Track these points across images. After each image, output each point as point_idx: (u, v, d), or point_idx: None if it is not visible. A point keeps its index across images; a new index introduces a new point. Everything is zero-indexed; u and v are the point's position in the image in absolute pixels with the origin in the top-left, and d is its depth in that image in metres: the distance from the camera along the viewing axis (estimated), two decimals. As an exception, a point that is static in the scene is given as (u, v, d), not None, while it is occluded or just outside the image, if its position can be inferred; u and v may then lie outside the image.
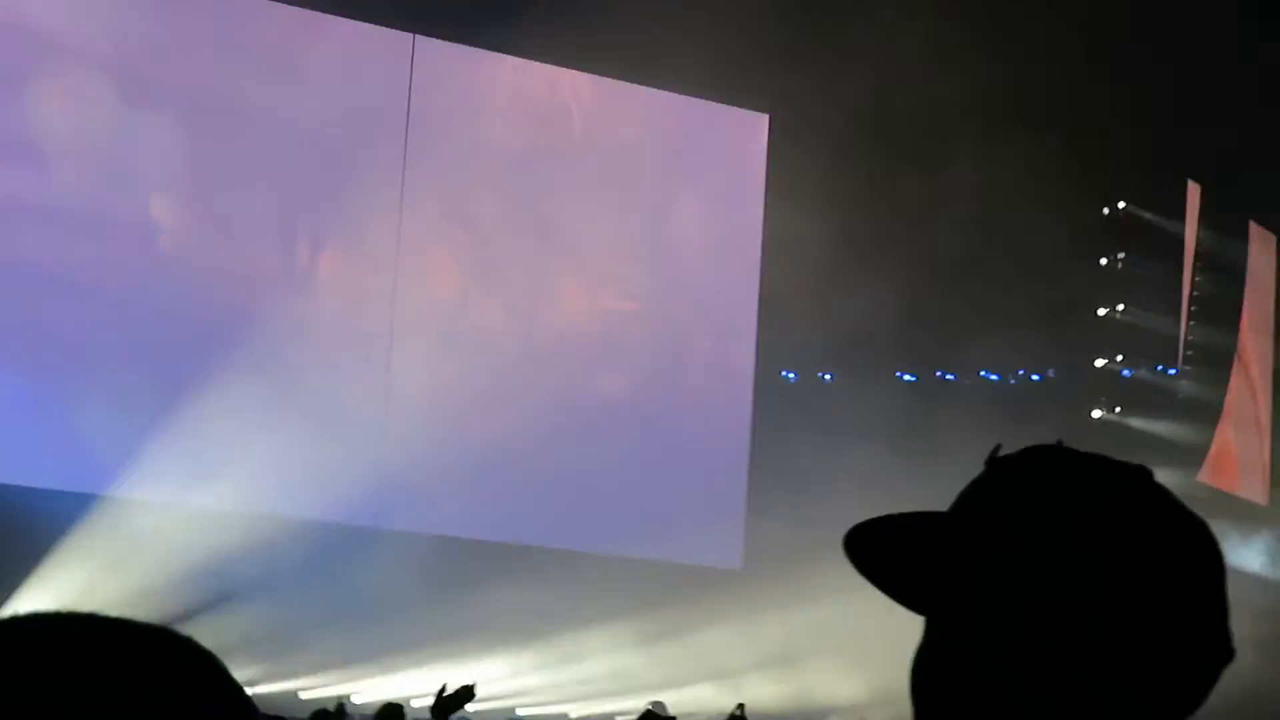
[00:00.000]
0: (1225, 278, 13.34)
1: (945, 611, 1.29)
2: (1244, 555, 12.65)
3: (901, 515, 1.36)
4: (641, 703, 9.05)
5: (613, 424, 11.64)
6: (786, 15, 10.92)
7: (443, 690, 6.28)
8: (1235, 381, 13.36)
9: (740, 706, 8.41)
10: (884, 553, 1.34)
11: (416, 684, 10.75)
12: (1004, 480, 1.34)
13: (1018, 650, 1.25)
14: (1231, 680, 1.24)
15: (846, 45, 10.72)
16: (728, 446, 12.13)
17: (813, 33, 10.85)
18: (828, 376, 12.81)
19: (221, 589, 10.07)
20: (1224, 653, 1.26)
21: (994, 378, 13.01)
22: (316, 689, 10.48)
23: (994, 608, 1.27)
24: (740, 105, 12.19)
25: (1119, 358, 13.11)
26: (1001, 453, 1.36)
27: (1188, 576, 1.27)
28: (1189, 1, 10.94)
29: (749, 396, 12.26)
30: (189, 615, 9.83)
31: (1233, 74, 11.46)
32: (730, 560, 11.95)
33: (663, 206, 11.98)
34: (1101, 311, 13.00)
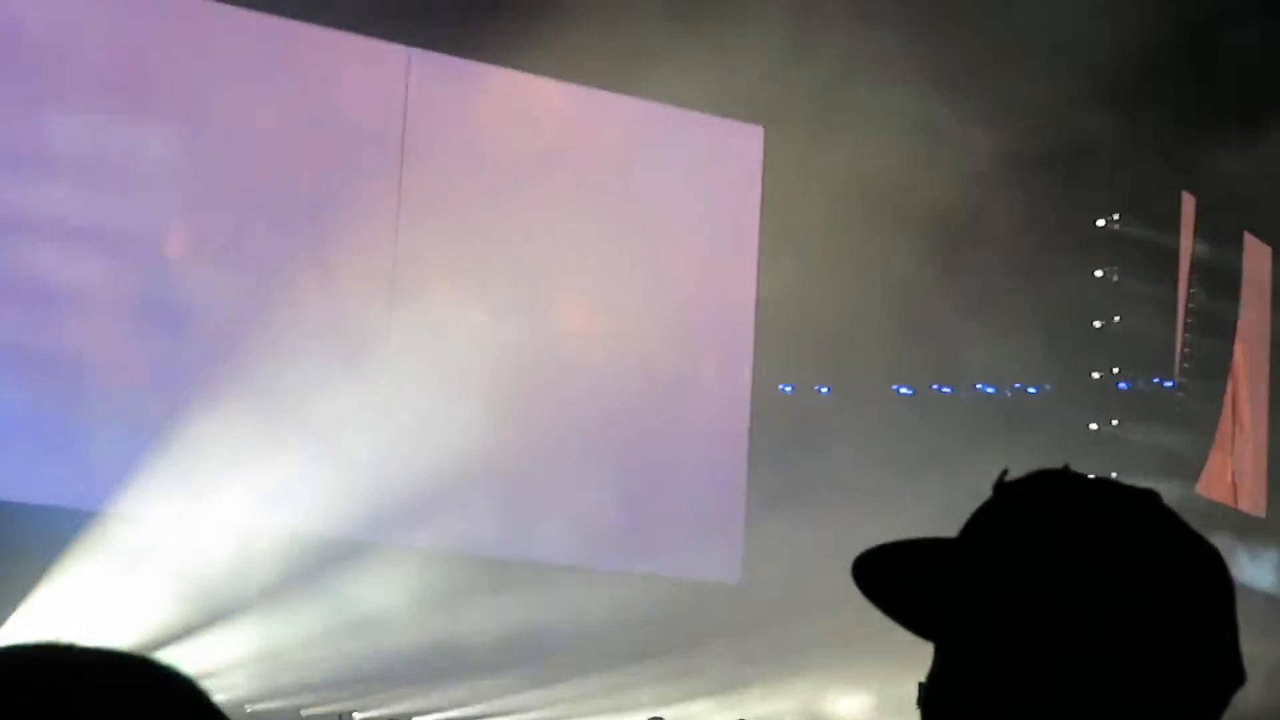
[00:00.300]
0: (1221, 289, 13.35)
1: (957, 639, 1.29)
2: (1253, 573, 12.63)
3: (909, 542, 1.36)
4: (642, 719, 9.03)
5: (610, 439, 11.62)
6: (781, 26, 10.92)
7: None
8: (1232, 393, 13.37)
9: (740, 721, 8.39)
10: (894, 580, 1.34)
11: (417, 701, 10.73)
12: (1012, 507, 1.34)
13: (1030, 676, 1.26)
14: (1241, 704, 1.24)
15: (840, 57, 10.72)
16: (725, 460, 12.11)
17: (808, 43, 10.85)
18: (825, 390, 12.79)
19: (222, 605, 10.06)
20: (1235, 676, 1.27)
21: (990, 390, 13.00)
22: (318, 706, 10.47)
23: (1006, 635, 1.27)
24: (735, 117, 12.16)
25: (1116, 370, 13.11)
26: (1008, 476, 1.37)
27: (1198, 601, 1.28)
28: (1179, 11, 10.95)
29: (746, 410, 12.24)
30: (188, 632, 9.82)
31: (1228, 84, 11.46)
32: (729, 574, 11.93)
33: (658, 220, 11.95)
34: (1098, 324, 13.00)
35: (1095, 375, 13.08)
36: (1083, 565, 1.30)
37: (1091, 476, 1.36)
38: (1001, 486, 1.37)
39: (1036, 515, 1.33)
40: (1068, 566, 1.30)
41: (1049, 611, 1.28)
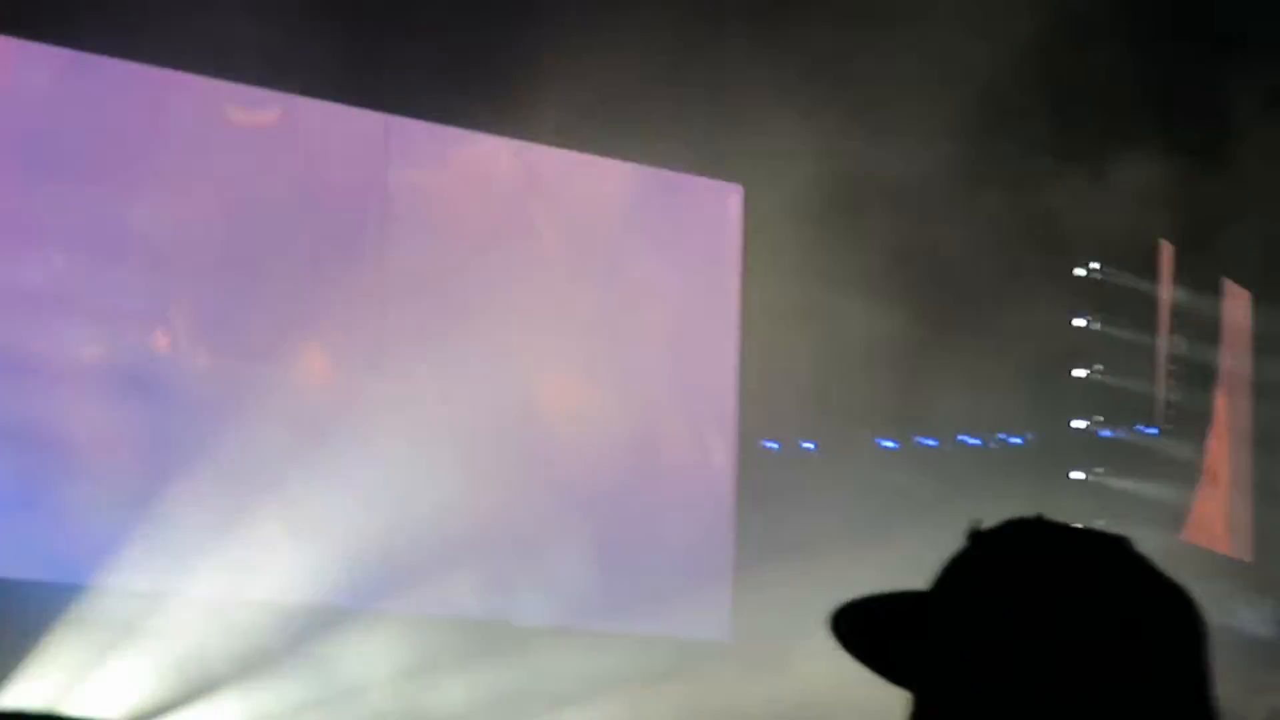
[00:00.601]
0: (1201, 336, 13.38)
1: (934, 689, 1.30)
2: (1247, 619, 12.59)
3: (885, 595, 1.37)
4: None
5: (595, 499, 11.57)
6: (761, 84, 10.95)
7: None
8: (1214, 439, 13.38)
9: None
10: (871, 633, 1.35)
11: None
12: (984, 556, 1.35)
13: None
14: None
15: (818, 114, 10.75)
16: (713, 518, 12.07)
17: (787, 102, 10.88)
18: (810, 446, 12.78)
19: (205, 676, 10.00)
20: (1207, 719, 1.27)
21: (974, 442, 13.00)
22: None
23: (980, 683, 1.28)
24: (714, 176, 12.17)
25: (1097, 418, 13.12)
26: (981, 525, 1.37)
27: (1167, 646, 1.29)
28: (1143, 59, 11.01)
29: (732, 467, 12.21)
30: (173, 705, 9.75)
31: (1202, 131, 11.51)
32: (719, 633, 11.89)
33: (640, 280, 11.95)
34: (1079, 373, 13.02)
35: (1077, 424, 13.09)
36: (1053, 612, 1.32)
37: (1062, 523, 1.39)
38: (974, 535, 1.39)
39: (1008, 564, 1.36)
40: (1039, 614, 1.32)
41: (1021, 659, 1.30)
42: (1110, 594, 1.32)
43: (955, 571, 1.39)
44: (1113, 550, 1.34)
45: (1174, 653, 1.31)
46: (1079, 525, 1.37)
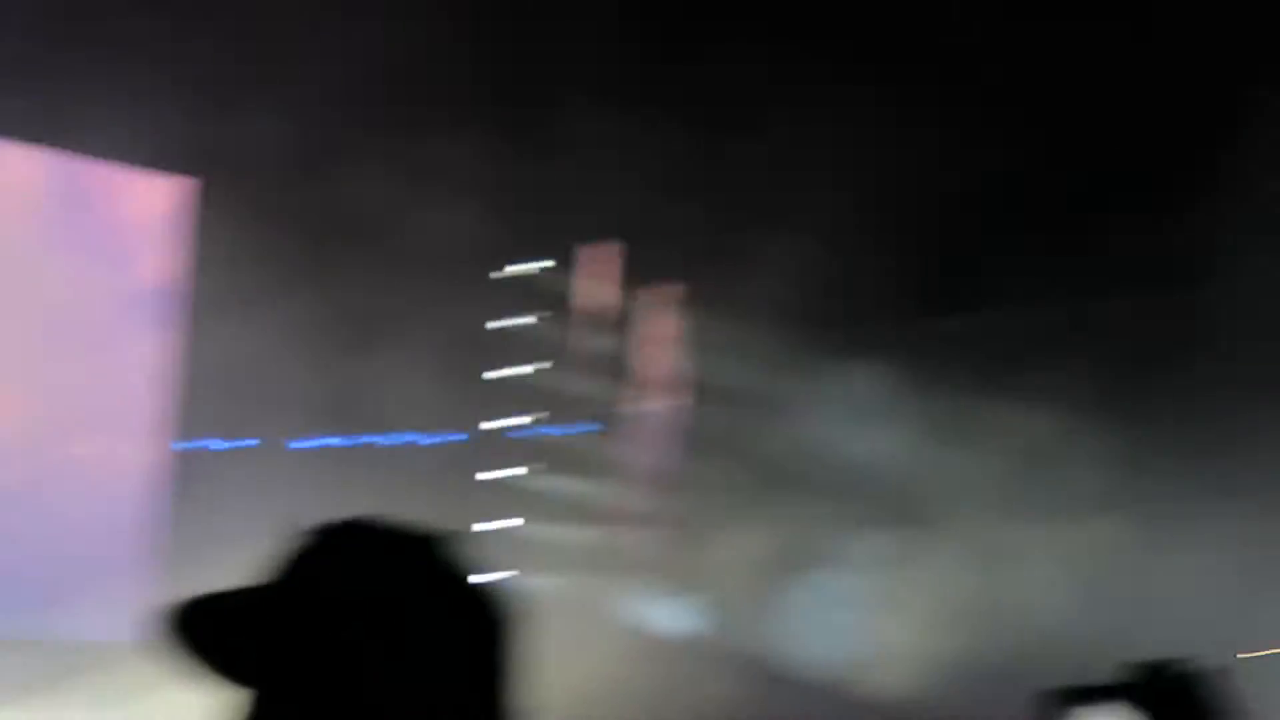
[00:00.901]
0: (641, 336, 13.69)
1: (273, 681, 1.32)
2: (672, 617, 12.91)
3: (220, 593, 1.42)
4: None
5: (5, 500, 11.17)
6: (216, 73, 10.75)
7: None
8: (639, 436, 13.70)
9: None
10: (215, 631, 1.37)
11: None
12: (313, 553, 1.42)
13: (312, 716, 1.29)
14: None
15: (279, 99, 10.59)
16: (129, 518, 11.80)
17: (244, 89, 10.70)
18: (241, 444, 12.63)
19: None
20: (494, 712, 1.33)
21: (412, 440, 13.05)
22: None
23: (295, 675, 1.31)
24: (164, 169, 11.88)
25: (527, 418, 13.31)
26: (316, 523, 1.47)
27: (454, 641, 1.35)
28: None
29: (156, 466, 11.87)
30: None
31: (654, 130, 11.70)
32: (121, 633, 11.63)
33: (65, 275, 11.58)
34: (505, 372, 13.22)
35: (502, 424, 13.24)
36: (344, 607, 1.34)
37: (384, 521, 1.47)
38: (300, 534, 1.46)
39: (316, 563, 1.41)
40: (333, 609, 1.34)
41: (319, 653, 1.31)
42: (401, 588, 1.40)
43: (279, 565, 1.44)
44: (428, 548, 1.44)
45: (467, 642, 1.39)
46: (407, 522, 1.48)
